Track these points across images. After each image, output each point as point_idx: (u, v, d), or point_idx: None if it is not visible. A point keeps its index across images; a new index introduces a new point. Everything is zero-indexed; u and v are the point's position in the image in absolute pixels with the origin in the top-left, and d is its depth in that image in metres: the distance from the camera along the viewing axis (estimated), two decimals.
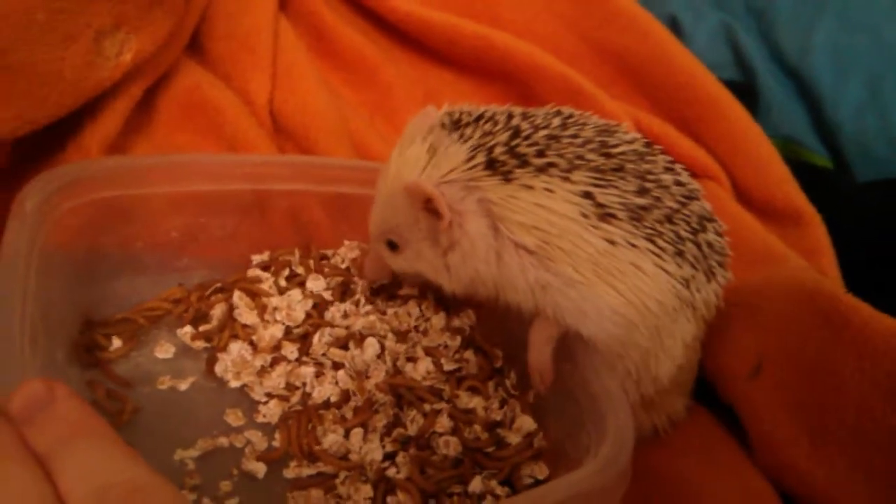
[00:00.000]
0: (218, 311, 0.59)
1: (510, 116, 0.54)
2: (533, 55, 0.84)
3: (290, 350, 0.57)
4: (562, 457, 0.52)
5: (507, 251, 0.51)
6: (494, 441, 0.53)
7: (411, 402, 0.54)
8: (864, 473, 0.49)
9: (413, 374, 0.55)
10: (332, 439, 0.52)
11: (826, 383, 0.52)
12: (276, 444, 0.53)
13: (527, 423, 0.54)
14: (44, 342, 0.48)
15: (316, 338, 0.57)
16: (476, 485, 0.50)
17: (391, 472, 0.51)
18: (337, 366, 0.56)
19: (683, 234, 0.54)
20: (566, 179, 0.51)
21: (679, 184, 0.55)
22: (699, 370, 0.61)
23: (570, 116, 0.55)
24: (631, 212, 0.51)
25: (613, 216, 0.51)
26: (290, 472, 0.51)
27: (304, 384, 0.56)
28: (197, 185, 0.60)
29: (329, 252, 0.64)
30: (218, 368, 0.56)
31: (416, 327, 0.59)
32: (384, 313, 0.59)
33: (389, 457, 0.52)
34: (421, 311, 0.60)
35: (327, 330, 0.58)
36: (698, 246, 0.54)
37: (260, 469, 0.51)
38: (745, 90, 0.88)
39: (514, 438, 0.53)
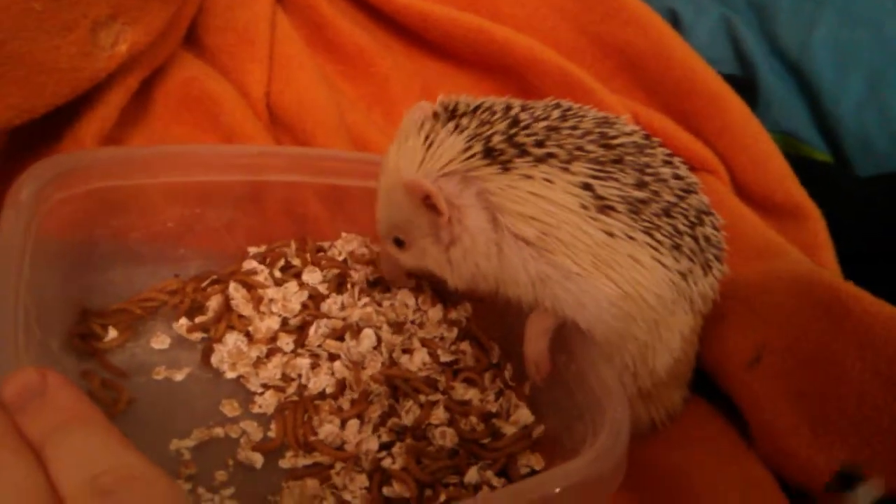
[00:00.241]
0: (214, 303, 0.59)
1: (509, 107, 0.53)
2: (532, 49, 0.84)
3: (286, 341, 0.57)
4: (558, 448, 0.52)
5: (506, 243, 0.51)
6: (490, 432, 0.52)
7: (407, 394, 0.54)
8: (866, 459, 0.49)
9: (409, 365, 0.55)
10: (327, 430, 0.52)
11: (827, 372, 0.52)
12: (271, 434, 0.53)
13: (524, 414, 0.54)
14: (38, 331, 0.48)
15: (312, 329, 0.57)
16: (472, 475, 0.50)
17: (387, 462, 0.51)
18: (333, 357, 0.56)
19: (681, 227, 0.53)
20: (566, 170, 0.51)
21: (677, 177, 0.55)
22: (697, 363, 0.61)
23: (570, 109, 0.55)
24: (629, 205, 0.51)
25: (612, 208, 0.51)
26: (285, 463, 0.51)
27: (300, 375, 0.56)
28: (193, 176, 0.60)
29: (326, 244, 0.64)
30: (214, 359, 0.56)
31: (412, 320, 0.59)
32: (381, 305, 0.59)
33: (385, 447, 0.52)
34: (418, 303, 0.59)
35: (323, 321, 0.58)
36: (696, 239, 0.54)
37: (255, 459, 0.51)
38: (746, 85, 0.88)
39: (510, 429, 0.53)
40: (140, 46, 0.65)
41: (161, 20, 0.67)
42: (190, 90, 0.71)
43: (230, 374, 0.56)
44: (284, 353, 0.57)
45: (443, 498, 0.49)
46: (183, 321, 0.58)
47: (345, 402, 0.54)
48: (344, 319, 0.58)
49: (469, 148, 0.50)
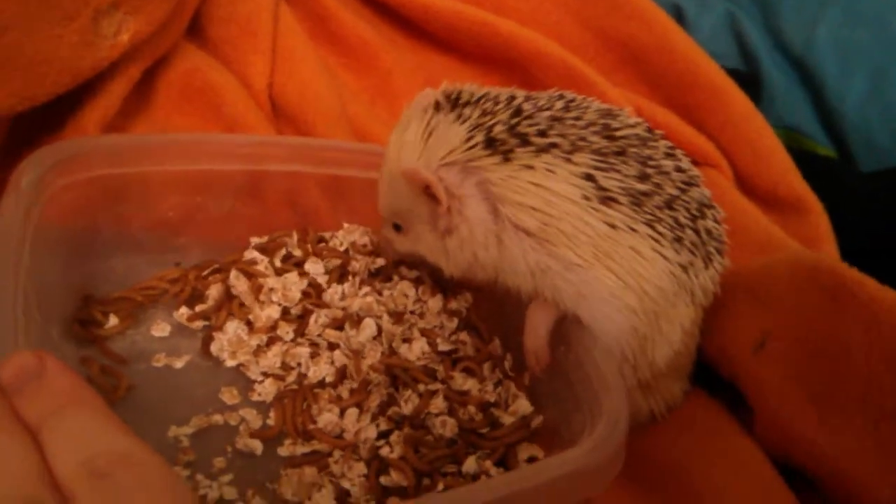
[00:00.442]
0: (214, 291, 0.59)
1: (512, 97, 0.53)
2: (536, 42, 0.84)
3: (286, 330, 0.57)
4: (556, 439, 0.51)
5: (507, 234, 0.51)
6: (489, 422, 0.52)
7: (406, 383, 0.54)
8: (873, 442, 0.49)
9: (408, 354, 0.55)
10: (326, 418, 0.52)
11: (833, 356, 0.52)
12: (270, 422, 0.53)
13: (523, 405, 0.54)
14: (38, 317, 0.48)
15: (312, 318, 0.57)
16: (470, 465, 0.50)
17: (385, 451, 0.50)
18: (332, 346, 0.56)
19: (683, 220, 0.53)
20: (568, 161, 0.50)
21: (679, 170, 0.55)
22: (698, 355, 0.61)
23: (574, 100, 0.55)
24: (631, 196, 0.51)
25: (614, 200, 0.51)
26: (284, 450, 0.51)
27: (300, 364, 0.56)
28: (194, 165, 0.60)
29: (328, 235, 0.64)
30: (214, 347, 0.56)
31: (412, 310, 0.59)
32: (381, 294, 0.59)
33: (384, 436, 0.52)
34: (418, 293, 0.59)
35: (324, 311, 0.58)
36: (697, 232, 0.54)
37: (254, 446, 0.51)
38: (749, 80, 0.87)
39: (508, 419, 0.53)
40: (142, 36, 0.65)
41: (163, 10, 0.67)
42: (192, 81, 0.71)
43: (230, 363, 0.56)
44: (284, 342, 0.57)
45: (440, 487, 0.49)
46: (183, 310, 0.58)
47: (344, 391, 0.54)
48: (344, 309, 0.58)
49: (471, 138, 0.50)
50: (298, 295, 0.58)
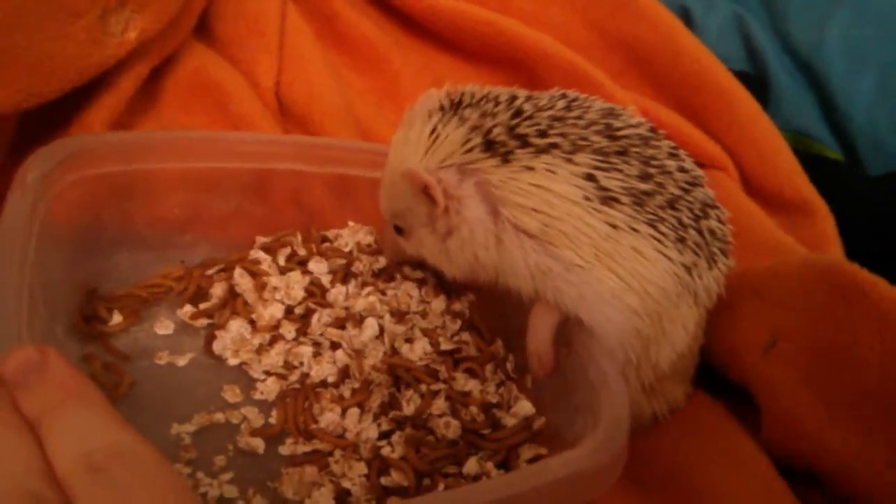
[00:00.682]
0: (218, 290, 0.59)
1: (513, 97, 0.53)
2: (542, 43, 0.84)
3: (289, 329, 0.57)
4: (558, 441, 0.51)
5: (507, 235, 0.51)
6: (491, 423, 0.52)
7: (408, 383, 0.54)
8: (884, 439, 0.49)
9: (410, 354, 0.55)
10: (328, 418, 0.52)
11: (844, 355, 0.51)
12: (272, 421, 0.53)
13: (524, 406, 0.54)
14: (43, 312, 0.49)
15: (315, 318, 0.57)
16: (471, 466, 0.50)
17: (386, 450, 0.50)
18: (335, 346, 0.56)
19: (686, 220, 0.53)
20: (569, 161, 0.50)
21: (682, 170, 0.55)
22: (704, 357, 0.60)
23: (575, 99, 0.55)
24: (634, 196, 0.51)
25: (616, 200, 0.50)
26: (285, 449, 0.51)
27: (302, 363, 0.56)
28: (200, 162, 0.60)
29: (332, 234, 0.64)
30: (216, 346, 0.56)
31: (415, 311, 0.59)
32: (384, 294, 0.59)
33: (385, 436, 0.52)
34: (421, 294, 0.59)
35: (326, 311, 0.58)
36: (700, 233, 0.54)
37: (255, 445, 0.51)
38: (757, 82, 0.87)
39: (510, 421, 0.53)
40: (150, 34, 0.65)
41: (171, 8, 0.67)
42: (199, 79, 0.71)
43: (232, 361, 0.56)
44: (287, 341, 0.57)
45: (441, 488, 0.49)
46: (187, 307, 0.58)
47: (346, 391, 0.54)
48: (347, 309, 0.58)
49: (469, 140, 0.50)
50: (302, 294, 0.58)
